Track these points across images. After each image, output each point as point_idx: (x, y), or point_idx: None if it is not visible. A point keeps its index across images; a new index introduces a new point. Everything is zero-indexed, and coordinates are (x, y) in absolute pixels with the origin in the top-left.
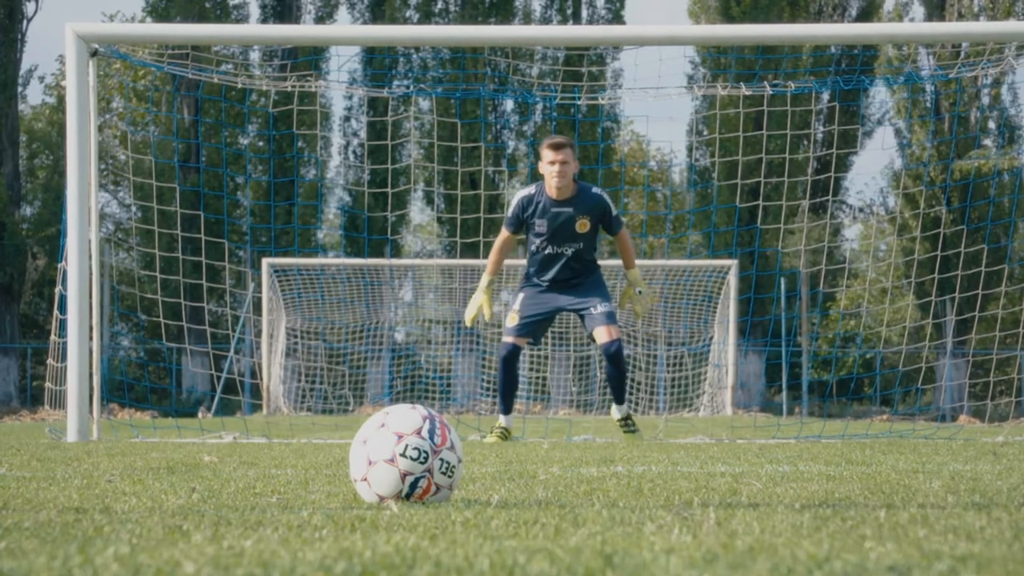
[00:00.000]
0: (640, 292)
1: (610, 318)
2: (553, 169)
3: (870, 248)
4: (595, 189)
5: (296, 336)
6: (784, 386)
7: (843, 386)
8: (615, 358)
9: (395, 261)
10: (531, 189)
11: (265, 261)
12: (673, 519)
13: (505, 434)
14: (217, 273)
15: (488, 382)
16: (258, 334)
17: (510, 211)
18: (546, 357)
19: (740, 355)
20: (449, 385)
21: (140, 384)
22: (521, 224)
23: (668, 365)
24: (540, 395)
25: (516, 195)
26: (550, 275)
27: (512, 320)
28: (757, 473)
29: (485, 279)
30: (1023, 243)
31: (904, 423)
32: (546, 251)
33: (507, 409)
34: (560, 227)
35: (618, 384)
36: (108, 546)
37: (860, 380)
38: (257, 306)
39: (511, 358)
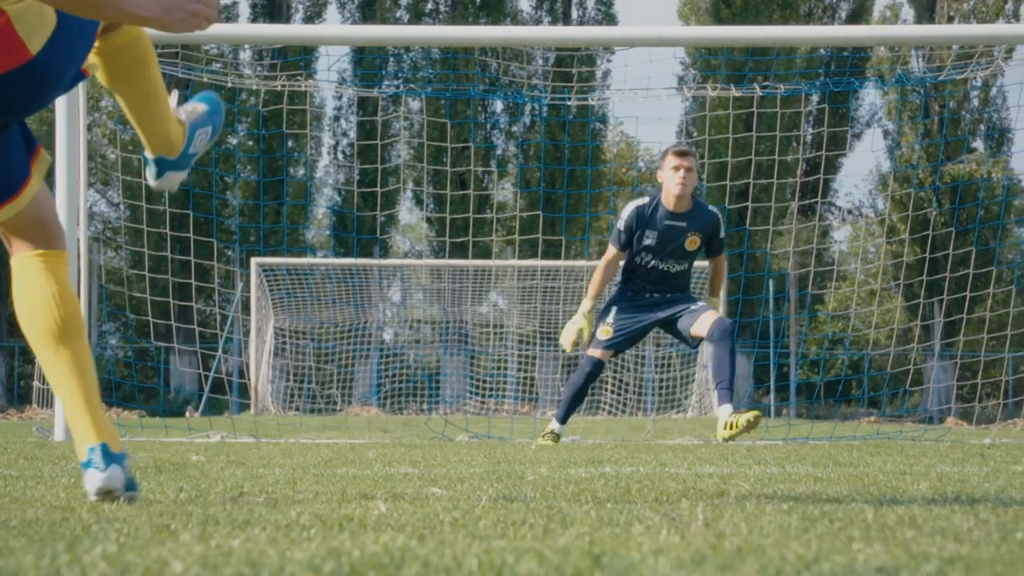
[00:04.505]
0: None
1: (711, 307)
2: (677, 176)
3: (859, 250)
4: (711, 207)
5: (284, 335)
6: (772, 388)
7: (831, 388)
8: (729, 331)
9: (384, 261)
10: (644, 199)
11: (254, 260)
12: (661, 520)
13: (556, 438)
14: (206, 272)
15: (477, 381)
16: (246, 333)
17: (620, 223)
18: (534, 357)
19: None
20: (437, 385)
21: (128, 383)
22: (631, 238)
23: (656, 366)
24: (528, 395)
25: (628, 206)
26: (647, 292)
27: (605, 333)
28: (745, 474)
29: (588, 304)
30: (1012, 246)
31: (892, 425)
32: (649, 265)
33: (564, 420)
34: (668, 241)
35: (732, 371)
36: (96, 545)
37: (848, 382)
38: (245, 305)
39: (595, 374)
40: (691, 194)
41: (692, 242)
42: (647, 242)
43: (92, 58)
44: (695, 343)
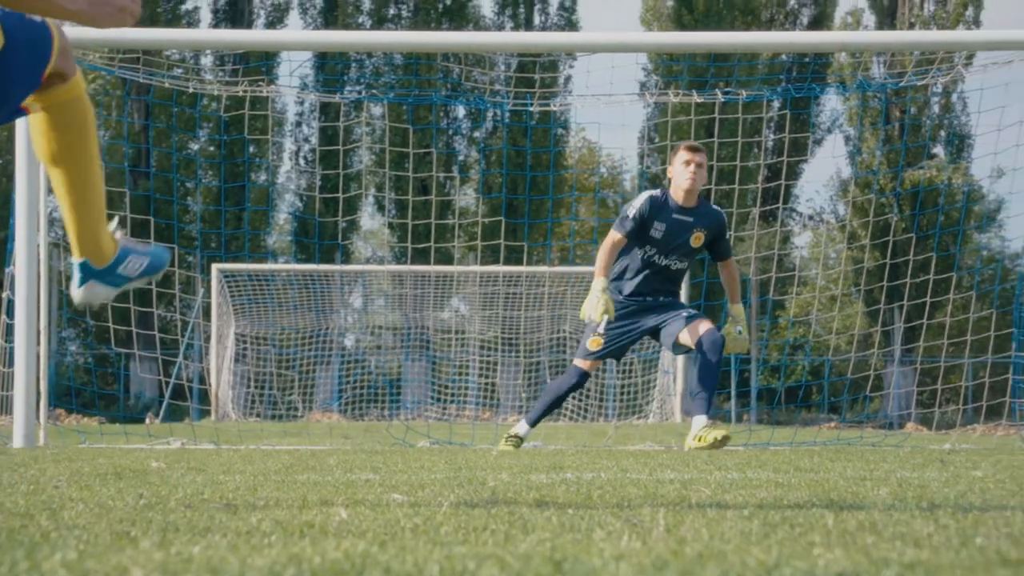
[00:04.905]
0: (740, 332)
1: (702, 315)
2: (688, 170)
3: (820, 256)
4: (715, 206)
5: (245, 341)
6: (733, 393)
7: (792, 393)
8: (719, 344)
9: (345, 267)
10: (657, 191)
11: (215, 266)
12: (623, 526)
13: (519, 443)
14: (166, 278)
15: (438, 387)
16: (207, 339)
17: (632, 211)
18: (496, 363)
19: (689, 362)
20: (398, 391)
21: (88, 389)
22: (640, 227)
23: (618, 372)
24: (489, 401)
25: (641, 195)
26: (641, 290)
27: (595, 344)
28: (706, 480)
29: (602, 282)
30: (972, 252)
31: (852, 430)
32: (652, 260)
33: (535, 423)
34: (676, 236)
35: (714, 383)
36: (55, 552)
37: (809, 387)
38: (206, 311)
39: (580, 385)
40: (699, 191)
41: (697, 238)
42: (654, 234)
43: (35, 103)
44: (681, 350)
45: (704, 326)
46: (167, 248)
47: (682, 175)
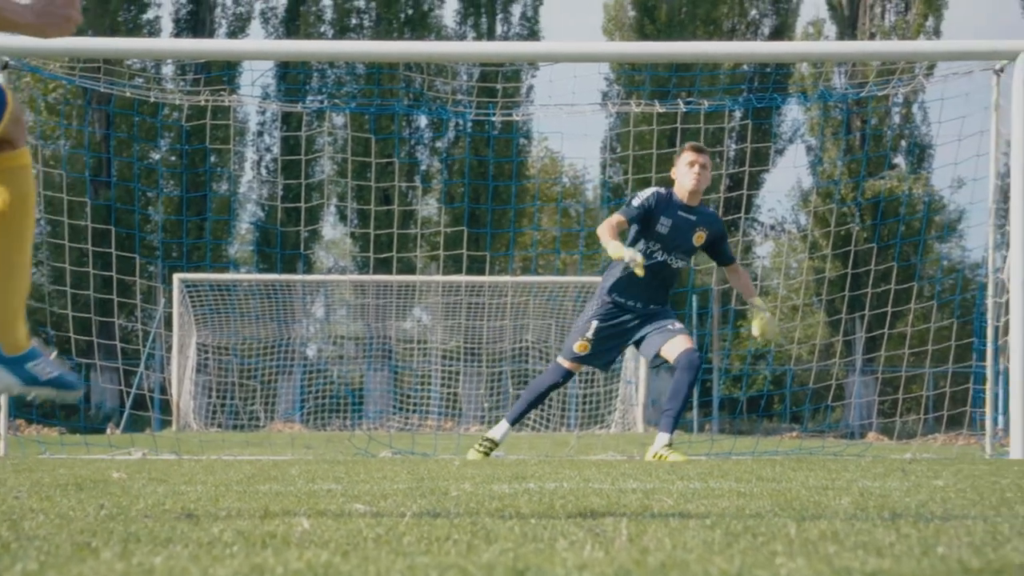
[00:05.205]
0: (769, 316)
1: (686, 331)
2: (693, 171)
3: (781, 265)
4: (712, 208)
5: (207, 351)
6: (695, 403)
7: (753, 403)
8: (696, 365)
9: (307, 277)
10: (661, 188)
11: (176, 276)
12: (585, 535)
13: (491, 447)
14: (128, 288)
15: (400, 397)
16: (168, 349)
17: (637, 200)
18: (458, 373)
19: (651, 372)
20: (361, 401)
21: (48, 399)
22: (644, 216)
23: (580, 381)
24: (452, 411)
25: (647, 189)
26: (635, 293)
27: (581, 348)
28: (668, 490)
29: (616, 243)
30: (933, 261)
31: (814, 440)
32: (653, 255)
33: (515, 422)
34: (680, 232)
35: (684, 402)
36: (16, 563)
37: (770, 397)
38: (168, 321)
39: (560, 384)
40: (701, 193)
41: (699, 237)
42: (660, 230)
43: None
44: (658, 361)
45: (685, 344)
46: (80, 381)
47: (687, 175)
